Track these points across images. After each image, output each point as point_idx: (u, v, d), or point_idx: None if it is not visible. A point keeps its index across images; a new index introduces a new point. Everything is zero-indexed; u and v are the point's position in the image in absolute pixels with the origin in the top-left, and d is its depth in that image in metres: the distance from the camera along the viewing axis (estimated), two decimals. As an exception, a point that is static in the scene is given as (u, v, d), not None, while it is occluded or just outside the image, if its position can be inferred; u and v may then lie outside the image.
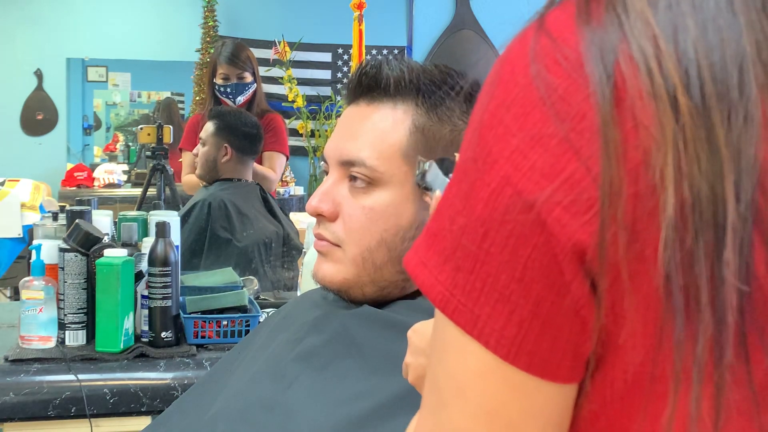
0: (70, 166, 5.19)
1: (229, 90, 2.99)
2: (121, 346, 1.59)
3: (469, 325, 0.46)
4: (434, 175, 0.77)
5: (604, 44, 0.44)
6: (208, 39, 4.80)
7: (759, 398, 0.44)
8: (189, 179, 2.90)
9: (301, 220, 2.79)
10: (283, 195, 4.17)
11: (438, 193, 0.76)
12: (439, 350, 0.49)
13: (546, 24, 0.47)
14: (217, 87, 3.02)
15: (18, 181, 3.13)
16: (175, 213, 1.93)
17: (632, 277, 0.44)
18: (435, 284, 0.48)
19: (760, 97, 0.42)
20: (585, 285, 0.44)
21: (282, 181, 4.39)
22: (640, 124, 0.43)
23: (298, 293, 2.09)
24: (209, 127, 2.61)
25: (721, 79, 0.42)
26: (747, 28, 0.43)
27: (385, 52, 4.85)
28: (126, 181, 5.21)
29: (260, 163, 2.94)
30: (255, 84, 3.03)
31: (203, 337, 1.69)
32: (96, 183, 5.07)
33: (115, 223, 1.91)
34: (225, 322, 1.70)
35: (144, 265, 1.66)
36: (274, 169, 2.98)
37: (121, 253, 1.61)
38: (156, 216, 1.86)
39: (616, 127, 0.43)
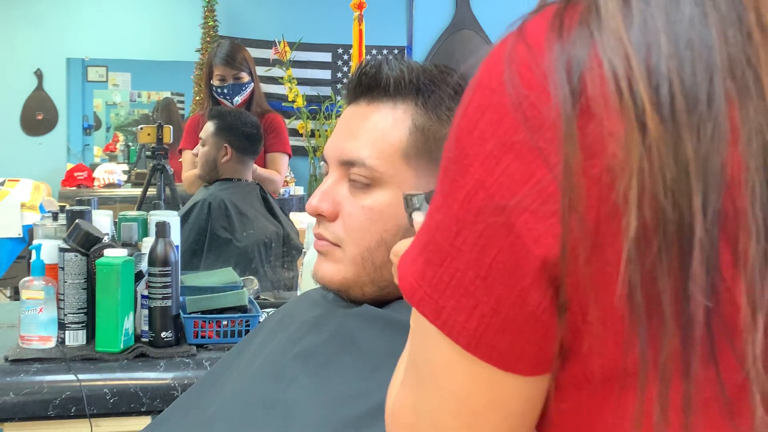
0: (70, 166, 5.19)
1: (225, 91, 2.98)
2: (121, 346, 1.59)
3: (433, 315, 0.49)
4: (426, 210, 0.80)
5: (572, 60, 0.45)
6: (208, 39, 4.80)
7: (732, 402, 0.45)
8: (190, 176, 2.89)
9: (301, 220, 2.79)
10: (283, 195, 4.16)
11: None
12: (420, 335, 0.52)
13: (525, 31, 0.47)
14: (213, 88, 3.01)
15: (18, 181, 3.12)
16: (175, 213, 1.93)
17: (596, 288, 0.45)
18: (406, 275, 0.51)
19: (729, 109, 0.43)
20: (546, 292, 0.46)
21: (282, 181, 4.39)
22: (606, 137, 0.43)
23: (298, 293, 2.09)
24: (209, 127, 2.61)
25: (691, 93, 0.43)
26: (719, 41, 0.43)
27: (385, 52, 4.85)
28: (126, 181, 5.21)
29: (263, 163, 2.94)
30: (252, 84, 3.02)
31: (203, 337, 1.69)
32: (96, 183, 5.07)
33: (115, 223, 1.91)
34: (225, 322, 1.70)
35: (144, 265, 1.66)
36: (279, 170, 2.98)
37: (121, 253, 1.61)
38: (156, 216, 1.85)
39: (579, 142, 0.44)
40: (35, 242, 1.70)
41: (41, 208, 3.04)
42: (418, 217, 0.81)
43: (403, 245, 0.81)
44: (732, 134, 0.43)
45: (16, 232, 2.99)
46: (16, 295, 3.12)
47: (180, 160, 3.15)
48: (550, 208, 0.44)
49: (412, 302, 0.50)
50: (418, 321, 0.52)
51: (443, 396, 0.50)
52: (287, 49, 4.61)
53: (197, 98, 4.75)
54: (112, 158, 5.90)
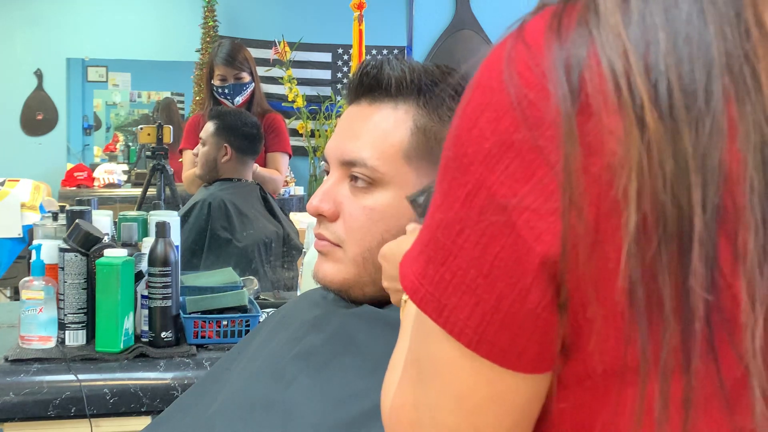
0: (70, 166, 5.19)
1: (226, 91, 2.98)
2: (121, 346, 1.59)
3: (435, 312, 0.49)
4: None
5: (571, 59, 0.45)
6: (208, 39, 4.80)
7: (730, 397, 0.45)
8: (190, 175, 2.89)
9: (301, 220, 2.79)
10: (283, 195, 4.16)
11: None
12: (422, 332, 0.52)
13: (524, 31, 0.48)
14: (214, 88, 3.01)
15: (18, 181, 3.12)
16: (175, 213, 1.93)
17: (596, 284, 0.45)
18: (408, 273, 0.52)
19: (727, 106, 0.43)
20: (547, 290, 0.46)
21: (282, 181, 4.39)
22: (606, 135, 0.44)
23: (298, 293, 2.08)
24: (209, 127, 2.61)
25: (689, 89, 0.43)
26: (717, 37, 0.44)
27: (385, 52, 4.85)
28: (126, 181, 5.21)
29: (264, 163, 2.93)
30: (253, 84, 3.02)
31: (203, 337, 1.69)
32: (96, 183, 5.07)
33: (115, 223, 1.91)
34: (225, 322, 1.70)
35: (144, 265, 1.66)
36: (279, 169, 2.98)
37: (121, 253, 1.60)
38: (156, 216, 1.85)
39: (579, 139, 0.44)
40: (35, 242, 1.70)
41: (41, 208, 3.04)
42: None
43: (389, 248, 0.82)
44: (730, 130, 0.43)
45: (16, 232, 2.99)
46: (16, 295, 3.12)
47: (180, 160, 3.15)
48: (551, 205, 0.45)
49: (415, 300, 0.51)
50: (420, 318, 0.52)
51: (445, 392, 0.51)
52: (287, 49, 4.61)
53: (197, 98, 4.75)
54: (112, 158, 5.90)
